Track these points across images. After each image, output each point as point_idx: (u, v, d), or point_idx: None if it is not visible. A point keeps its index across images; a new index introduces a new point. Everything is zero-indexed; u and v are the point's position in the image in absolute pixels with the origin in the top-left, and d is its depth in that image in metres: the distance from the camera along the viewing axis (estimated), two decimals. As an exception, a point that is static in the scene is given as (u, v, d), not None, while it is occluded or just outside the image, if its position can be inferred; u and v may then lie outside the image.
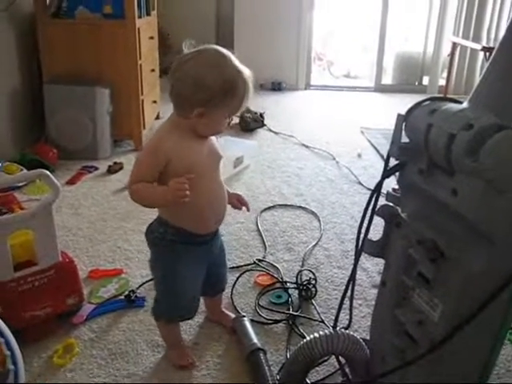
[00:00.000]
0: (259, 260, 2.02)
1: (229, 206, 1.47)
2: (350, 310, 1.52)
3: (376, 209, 1.20)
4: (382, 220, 1.20)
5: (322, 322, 1.68)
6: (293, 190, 2.74)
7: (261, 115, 3.83)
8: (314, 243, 2.18)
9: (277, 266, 1.99)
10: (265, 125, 3.83)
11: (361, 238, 1.24)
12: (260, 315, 1.70)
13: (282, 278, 1.90)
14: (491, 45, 4.08)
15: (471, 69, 5.07)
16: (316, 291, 1.82)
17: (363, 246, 1.24)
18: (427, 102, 1.08)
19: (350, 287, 1.33)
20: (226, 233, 2.17)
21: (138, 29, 3.06)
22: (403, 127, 1.10)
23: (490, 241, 0.93)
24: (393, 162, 1.16)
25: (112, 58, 3.03)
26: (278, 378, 1.40)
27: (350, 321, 1.60)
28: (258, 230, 2.28)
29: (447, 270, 1.00)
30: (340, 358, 1.35)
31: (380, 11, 5.14)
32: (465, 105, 1.02)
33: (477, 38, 4.65)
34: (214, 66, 1.24)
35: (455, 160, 0.93)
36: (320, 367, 1.47)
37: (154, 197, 1.28)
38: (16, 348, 1.26)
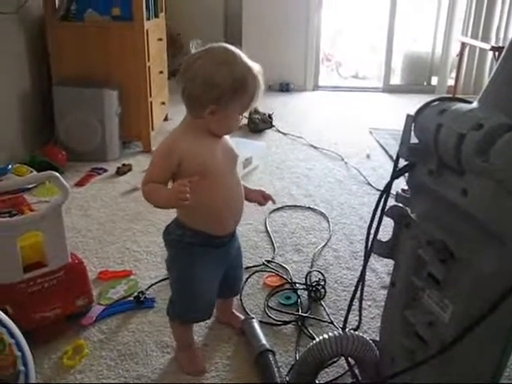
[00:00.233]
0: (268, 261, 2.02)
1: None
2: (360, 311, 1.52)
3: (385, 209, 1.19)
4: (392, 221, 1.19)
5: (332, 323, 1.67)
6: (302, 191, 2.74)
7: (269, 116, 3.82)
8: (323, 244, 2.17)
9: (286, 267, 1.98)
10: (273, 126, 3.82)
11: (370, 239, 1.24)
12: (269, 316, 1.70)
13: (291, 279, 1.90)
14: (500, 44, 4.05)
15: (480, 69, 5.04)
16: (325, 292, 1.81)
17: (372, 247, 1.24)
18: (436, 102, 1.07)
19: (359, 288, 1.33)
20: (235, 234, 2.17)
21: (147, 31, 3.07)
22: (412, 128, 1.09)
23: (501, 241, 0.92)
24: (402, 162, 1.16)
25: (120, 59, 3.04)
26: (288, 379, 1.40)
27: (360, 322, 1.59)
28: (267, 231, 2.28)
29: (457, 270, 0.99)
30: (349, 359, 1.35)
31: (388, 11, 5.13)
32: (474, 105, 1.01)
33: (486, 38, 4.62)
34: (222, 63, 1.24)
35: (465, 160, 0.93)
36: (329, 368, 1.47)
37: (160, 199, 1.29)
38: (26, 349, 1.26)
